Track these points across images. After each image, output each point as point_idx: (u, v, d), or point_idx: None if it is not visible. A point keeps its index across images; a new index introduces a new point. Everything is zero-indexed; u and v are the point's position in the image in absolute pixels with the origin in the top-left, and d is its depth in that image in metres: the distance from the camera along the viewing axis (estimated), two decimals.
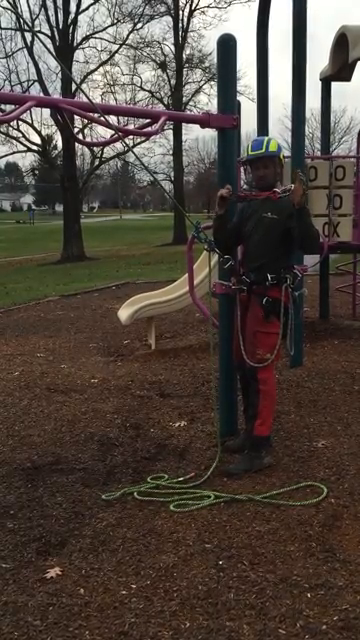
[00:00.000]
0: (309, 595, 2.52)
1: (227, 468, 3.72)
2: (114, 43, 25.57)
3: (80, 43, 24.69)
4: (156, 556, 2.86)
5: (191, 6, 29.61)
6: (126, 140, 3.94)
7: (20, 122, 22.02)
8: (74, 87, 22.30)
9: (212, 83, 29.58)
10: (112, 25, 25.21)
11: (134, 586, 2.63)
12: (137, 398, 5.20)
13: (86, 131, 23.97)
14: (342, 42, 7.17)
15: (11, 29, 23.43)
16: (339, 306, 8.77)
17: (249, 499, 3.33)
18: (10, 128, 22.82)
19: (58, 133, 24.46)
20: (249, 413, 3.85)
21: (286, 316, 3.70)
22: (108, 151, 25.85)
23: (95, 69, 25.60)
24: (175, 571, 2.73)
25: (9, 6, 22.38)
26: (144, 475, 3.72)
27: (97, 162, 27.06)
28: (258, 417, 3.74)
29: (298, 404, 4.83)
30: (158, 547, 2.93)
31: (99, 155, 26.16)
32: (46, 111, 22.95)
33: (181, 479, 3.63)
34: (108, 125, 3.43)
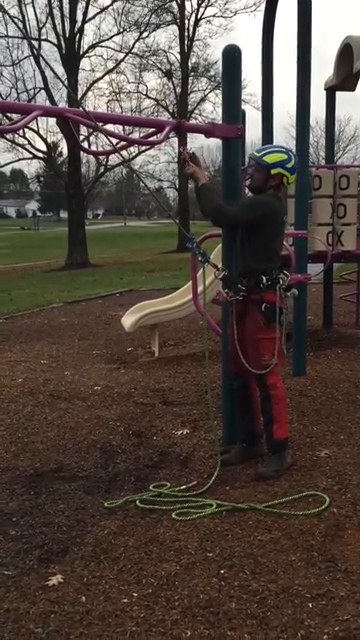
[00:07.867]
0: (310, 605, 2.52)
1: (259, 472, 3.74)
2: (120, 51, 25.76)
3: (86, 51, 24.88)
4: (158, 564, 2.86)
5: (197, 15, 29.75)
6: (131, 148, 3.98)
7: (26, 129, 22.13)
8: (79, 96, 22.42)
9: (217, 91, 29.67)
10: (118, 34, 25.40)
11: (135, 594, 2.64)
12: (140, 406, 5.20)
13: (92, 139, 24.09)
14: (346, 52, 7.21)
15: (18, 37, 23.62)
16: (343, 315, 8.77)
17: (251, 508, 3.32)
18: (16, 135, 22.95)
19: (64, 140, 24.62)
20: (264, 419, 3.85)
21: (281, 317, 3.75)
22: (113, 158, 25.88)
23: (101, 77, 25.79)
24: (177, 580, 2.73)
25: (17, 15, 22.60)
26: (146, 483, 3.73)
27: (102, 169, 27.19)
28: (275, 422, 3.77)
29: (301, 413, 4.82)
30: (160, 555, 2.93)
31: (104, 163, 26.27)
32: (52, 118, 23.09)
33: (183, 487, 3.63)
34: (110, 134, 3.48)
